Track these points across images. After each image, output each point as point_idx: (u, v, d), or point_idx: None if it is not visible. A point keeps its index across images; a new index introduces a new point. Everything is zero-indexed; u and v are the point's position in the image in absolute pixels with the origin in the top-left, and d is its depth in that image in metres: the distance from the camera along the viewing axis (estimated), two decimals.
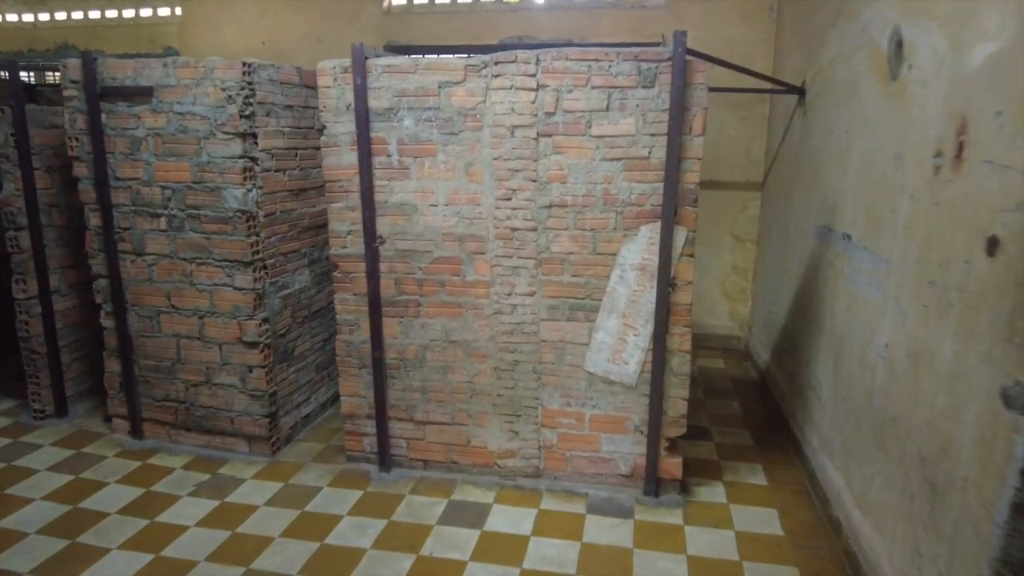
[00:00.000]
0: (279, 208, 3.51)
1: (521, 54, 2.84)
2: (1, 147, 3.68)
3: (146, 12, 6.08)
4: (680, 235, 2.83)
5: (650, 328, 2.91)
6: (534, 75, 2.83)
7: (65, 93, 3.38)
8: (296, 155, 3.63)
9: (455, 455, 3.29)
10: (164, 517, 3.03)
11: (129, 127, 3.32)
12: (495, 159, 2.92)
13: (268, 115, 3.33)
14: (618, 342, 2.95)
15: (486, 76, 2.87)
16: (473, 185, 2.97)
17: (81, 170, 3.46)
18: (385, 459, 3.36)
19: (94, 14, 6.27)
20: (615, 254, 2.90)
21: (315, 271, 3.91)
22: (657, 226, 2.83)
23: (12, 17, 6.54)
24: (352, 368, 3.33)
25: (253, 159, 3.27)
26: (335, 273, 3.24)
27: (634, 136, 2.81)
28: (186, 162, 3.27)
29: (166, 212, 3.38)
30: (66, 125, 3.44)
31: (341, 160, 3.10)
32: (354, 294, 3.23)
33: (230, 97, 3.12)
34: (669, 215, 2.80)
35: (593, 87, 2.80)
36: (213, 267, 3.38)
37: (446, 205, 3.02)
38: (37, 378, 3.96)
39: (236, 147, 3.18)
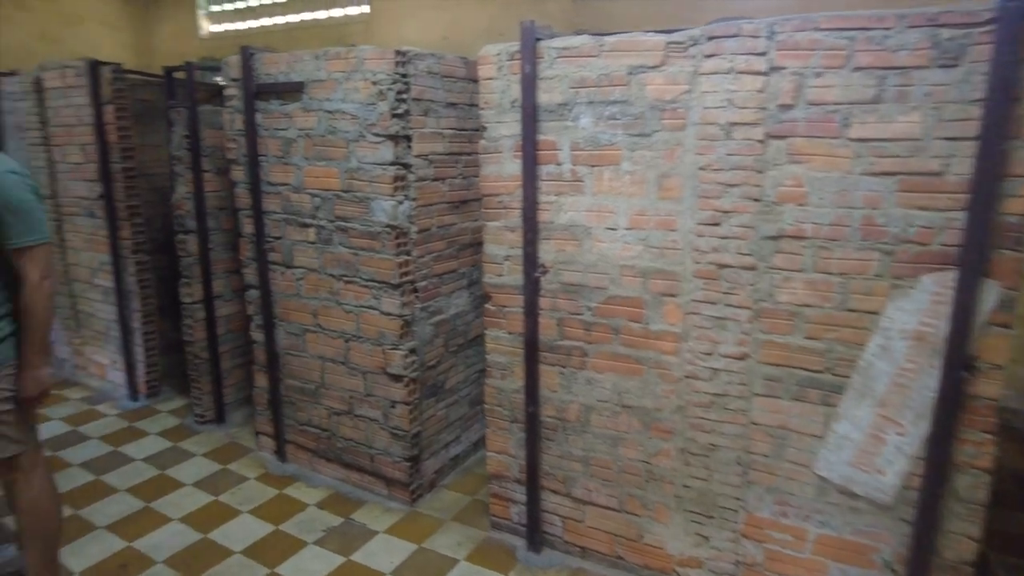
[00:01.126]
0: (435, 223, 3.02)
1: (747, 25, 2.02)
2: (176, 149, 3.61)
3: (338, 12, 6.05)
4: (991, 293, 1.84)
5: (925, 428, 1.95)
6: (764, 53, 2.00)
7: (226, 92, 3.17)
8: (459, 162, 3.12)
9: (622, 549, 2.56)
10: (284, 569, 2.67)
11: (281, 127, 3.02)
12: (701, 169, 2.13)
13: (425, 114, 2.84)
14: (870, 440, 2.03)
15: (694, 57, 2.09)
16: (667, 204, 2.21)
17: (238, 173, 3.25)
18: (535, 536, 2.73)
19: (293, 18, 6.39)
20: (876, 313, 1.98)
21: (475, 294, 3.38)
22: (950, 276, 1.87)
23: (228, 27, 6.92)
24: (501, 420, 2.74)
25: (406, 166, 2.79)
26: (488, 305, 2.67)
27: (919, 141, 1.86)
28: (335, 167, 2.89)
29: (315, 222, 3.04)
30: (225, 126, 3.24)
31: (502, 169, 2.50)
32: (508, 332, 2.63)
33: (381, 92, 2.66)
34: (974, 261, 1.82)
35: (855, 68, 1.90)
36: (360, 286, 2.97)
37: (628, 229, 2.29)
38: (199, 383, 3.91)
39: (387, 152, 2.72)
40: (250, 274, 3.36)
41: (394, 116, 2.69)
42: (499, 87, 2.44)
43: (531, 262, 2.47)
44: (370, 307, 2.97)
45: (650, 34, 2.18)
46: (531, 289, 2.49)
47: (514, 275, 2.56)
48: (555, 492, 2.66)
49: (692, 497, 2.36)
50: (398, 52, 2.64)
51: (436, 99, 2.89)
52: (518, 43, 2.35)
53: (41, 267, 2.08)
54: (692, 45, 2.09)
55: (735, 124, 2.06)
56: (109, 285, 4.15)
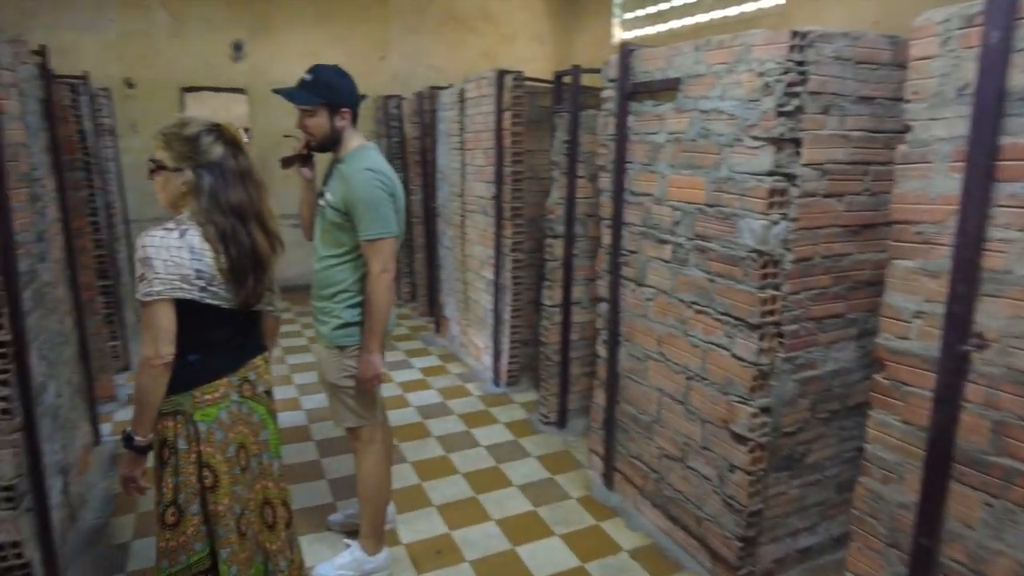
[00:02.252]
0: (820, 251, 2.35)
1: None
2: (555, 154, 3.64)
3: (750, 7, 5.51)
4: None
5: None
6: None
7: (603, 95, 3.02)
8: (866, 174, 2.37)
9: None
10: None
11: (651, 131, 2.72)
12: None
13: (825, 111, 2.20)
14: None
15: None
16: None
17: (604, 180, 3.08)
18: None
19: (702, 17, 6.09)
20: None
21: (866, 348, 2.58)
22: None
23: (639, 32, 6.99)
24: (873, 538, 1.97)
25: (788, 177, 2.20)
26: (878, 376, 1.93)
27: None
28: (702, 177, 2.47)
29: (672, 239, 2.67)
30: (598, 130, 3.10)
31: (929, 186, 1.74)
32: (904, 421, 1.85)
33: (767, 85, 2.13)
34: None
35: None
36: (712, 319, 2.51)
37: None
38: (547, 384, 3.93)
39: (765, 159, 2.18)
40: (602, 287, 3.18)
41: (780, 114, 2.13)
42: (939, 68, 1.69)
43: (959, 327, 1.66)
44: (720, 346, 2.47)
45: None
46: (953, 368, 1.68)
47: (926, 341, 1.77)
48: None
49: None
50: (795, 34, 2.07)
51: (843, 92, 2.21)
52: (978, 5, 1.57)
53: (382, 260, 2.19)
54: None
55: None
56: (490, 278, 4.50)
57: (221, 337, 1.73)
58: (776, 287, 2.30)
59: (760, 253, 2.25)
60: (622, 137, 2.87)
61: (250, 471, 1.79)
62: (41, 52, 3.26)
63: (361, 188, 2.19)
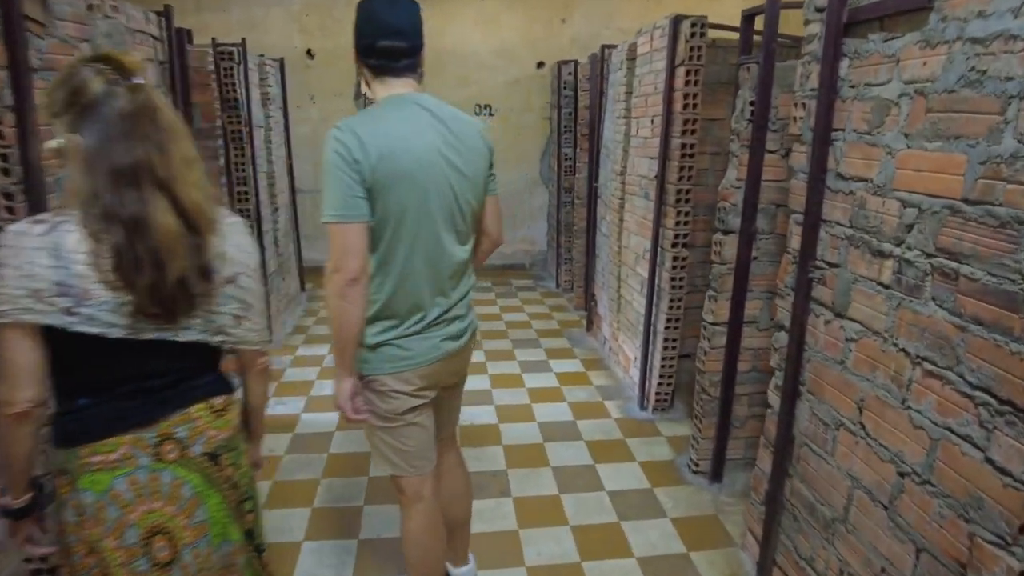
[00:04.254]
0: None
1: None
2: (736, 120, 2.71)
3: None
4: None
5: None
6: None
7: (806, 31, 2.05)
8: None
9: None
10: None
11: (876, 81, 1.74)
12: None
13: None
14: None
15: None
16: None
17: (798, 157, 2.12)
18: None
19: None
20: None
21: None
22: None
23: None
24: None
25: None
26: None
27: None
28: (962, 153, 1.46)
29: (897, 252, 1.68)
30: (796, 83, 2.13)
31: None
32: None
33: None
34: None
35: None
36: (956, 392, 1.51)
37: None
38: (701, 424, 3.05)
39: None
40: (783, 309, 2.24)
41: None
42: None
43: None
44: (965, 438, 1.47)
45: None
46: None
47: None
48: None
49: None
50: None
51: None
52: None
53: (333, 255, 1.64)
54: None
55: None
56: (645, 276, 3.67)
57: (118, 375, 1.19)
58: None
59: None
60: (829, 91, 1.91)
61: (179, 567, 1.26)
62: (166, 14, 3.07)
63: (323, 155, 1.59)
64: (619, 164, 4.10)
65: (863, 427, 1.85)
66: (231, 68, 3.98)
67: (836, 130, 1.92)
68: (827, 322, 2.00)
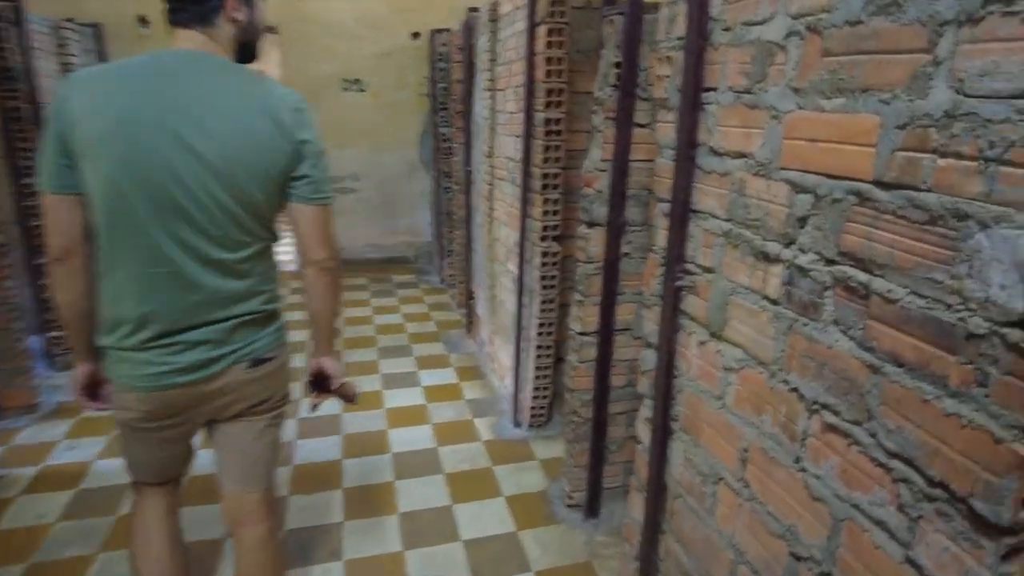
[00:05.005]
0: None
1: None
2: (598, 87, 2.21)
3: None
4: None
5: None
6: None
7: None
8: None
9: None
10: None
11: (756, 18, 1.26)
12: None
13: None
14: None
15: None
16: None
17: (664, 128, 1.64)
18: None
19: None
20: None
21: None
22: None
23: None
24: None
25: None
26: None
27: None
28: (872, 113, 0.99)
29: (787, 255, 1.22)
30: (659, 31, 1.64)
31: None
32: None
33: None
34: None
35: None
36: (871, 457, 1.05)
37: None
38: (573, 451, 2.57)
39: None
40: (650, 321, 1.77)
41: None
42: None
43: None
44: (880, 523, 1.02)
45: None
46: None
47: None
48: None
49: None
50: None
51: None
52: None
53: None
54: None
55: None
56: (516, 273, 3.16)
57: None
58: None
59: None
60: (699, 37, 1.42)
61: None
62: None
63: None
64: (487, 144, 3.56)
65: (747, 485, 1.39)
66: (4, 31, 3.15)
67: (708, 89, 1.44)
68: (701, 343, 1.54)
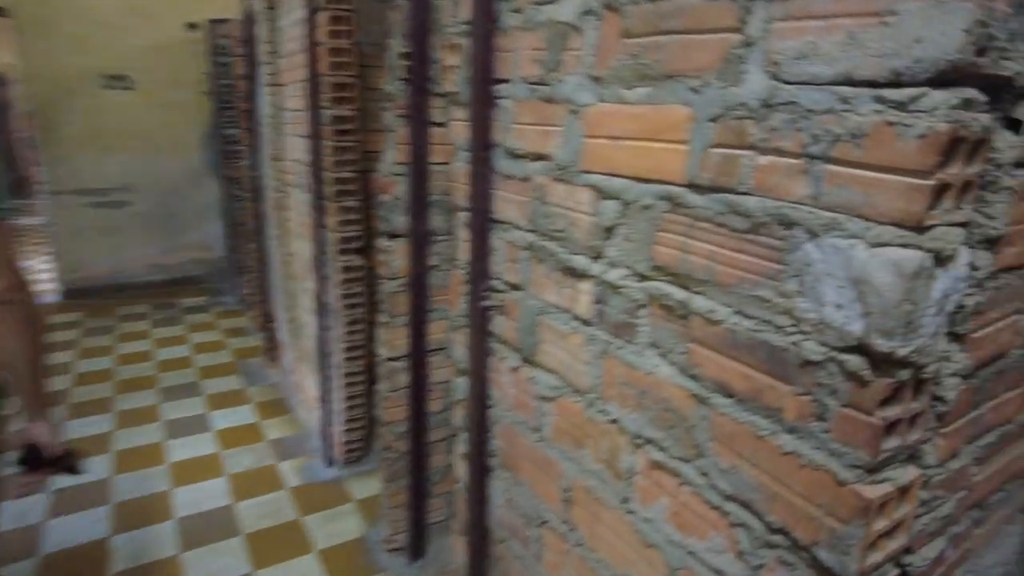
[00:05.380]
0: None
1: None
2: (387, 80, 1.96)
3: None
4: None
5: None
6: None
7: None
8: None
9: None
10: None
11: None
12: None
13: None
14: None
15: None
16: None
17: (458, 128, 1.43)
18: None
19: None
20: None
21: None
22: None
23: None
24: None
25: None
26: None
27: None
28: (681, 104, 0.85)
29: (597, 271, 1.06)
30: (442, 17, 1.44)
31: None
32: None
33: None
34: None
35: None
36: (704, 499, 0.92)
37: None
38: (392, 489, 2.30)
39: (952, 25, 0.59)
40: (459, 344, 1.56)
41: None
42: None
43: None
44: (719, 573, 0.90)
45: None
46: None
47: None
48: None
49: None
50: None
51: None
52: None
53: None
54: None
55: None
56: (316, 291, 2.80)
57: None
58: (914, 458, 0.72)
59: (882, 358, 0.66)
60: (487, 20, 1.23)
61: None
62: None
63: None
64: (273, 146, 3.15)
65: (573, 529, 1.23)
66: None
67: (500, 81, 1.26)
68: (513, 369, 1.35)
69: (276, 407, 3.43)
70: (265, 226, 3.78)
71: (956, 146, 0.60)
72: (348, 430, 2.82)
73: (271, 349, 3.90)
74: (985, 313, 0.72)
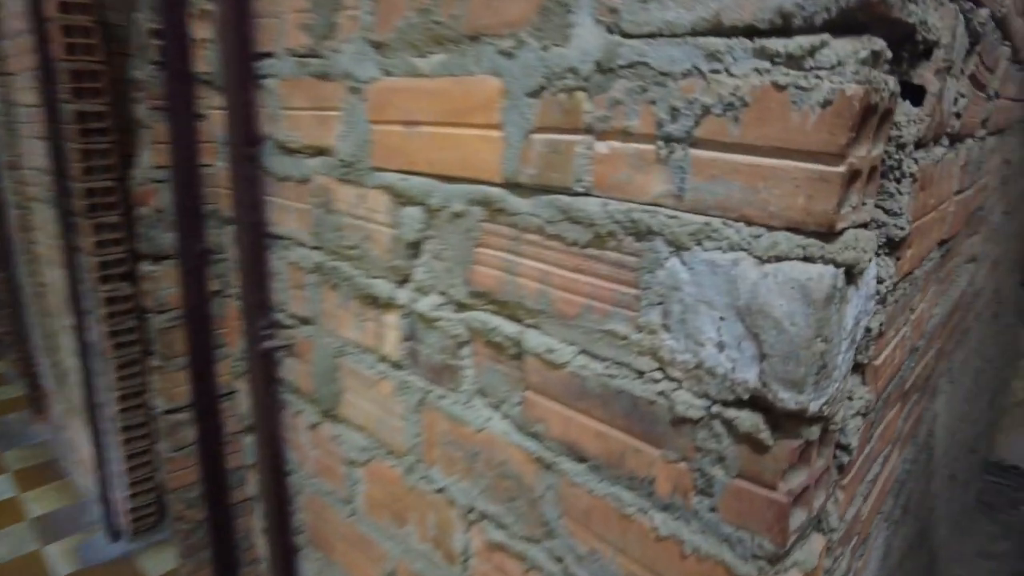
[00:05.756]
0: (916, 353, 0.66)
1: None
2: (135, 65, 1.55)
3: None
4: None
5: None
6: None
7: None
8: None
9: None
10: None
11: None
12: None
13: None
14: None
15: None
16: None
17: (215, 116, 1.11)
18: None
19: None
20: None
21: None
22: None
23: None
24: None
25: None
26: None
27: None
28: (491, 74, 0.63)
29: (404, 298, 0.81)
30: None
31: None
32: None
33: None
34: None
35: None
36: None
37: None
38: (190, 566, 1.88)
39: None
40: (244, 394, 1.23)
41: None
42: None
43: None
44: None
45: None
46: None
47: None
48: None
49: None
50: None
51: None
52: None
53: None
54: None
55: None
56: (76, 328, 2.26)
57: None
58: (819, 525, 0.55)
59: (787, 415, 0.48)
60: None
61: None
62: None
63: None
64: (8, 151, 2.51)
65: None
66: None
67: (263, 55, 0.96)
68: (312, 426, 1.06)
69: (43, 474, 2.78)
70: (13, 251, 3.06)
71: (867, 118, 0.42)
72: (134, 495, 2.31)
73: (36, 400, 3.18)
74: (884, 334, 0.57)
